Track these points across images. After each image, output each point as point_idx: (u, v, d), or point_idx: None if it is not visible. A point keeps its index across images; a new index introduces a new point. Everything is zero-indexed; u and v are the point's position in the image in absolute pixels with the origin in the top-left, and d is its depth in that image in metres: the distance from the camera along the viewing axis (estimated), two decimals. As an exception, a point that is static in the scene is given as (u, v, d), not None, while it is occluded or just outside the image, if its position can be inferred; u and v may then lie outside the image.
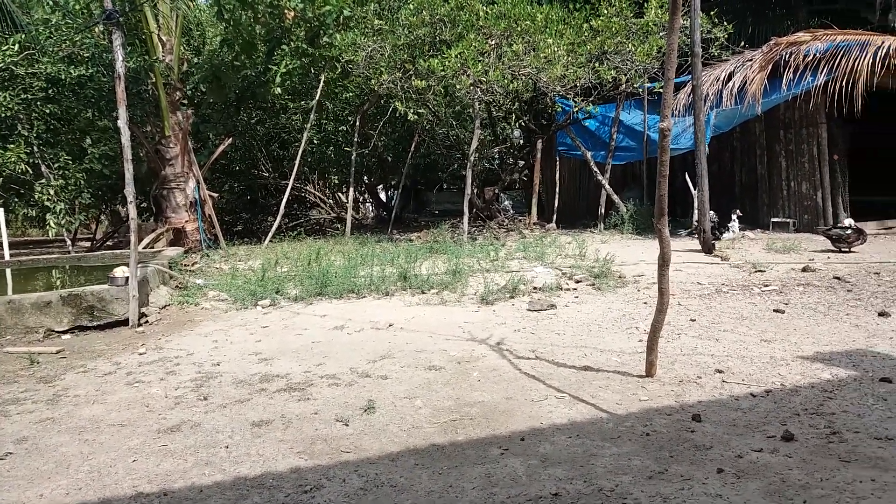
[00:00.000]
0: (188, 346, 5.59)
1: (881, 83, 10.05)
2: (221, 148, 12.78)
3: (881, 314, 5.81)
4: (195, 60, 14.33)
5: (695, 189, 11.28)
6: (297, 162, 13.30)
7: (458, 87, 10.39)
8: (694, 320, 5.90)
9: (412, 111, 11.24)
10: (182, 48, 12.20)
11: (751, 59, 10.81)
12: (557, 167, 14.20)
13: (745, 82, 10.49)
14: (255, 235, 13.53)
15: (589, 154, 12.92)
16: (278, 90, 13.06)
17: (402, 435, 3.71)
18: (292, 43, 13.16)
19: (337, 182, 17.97)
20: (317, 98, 13.09)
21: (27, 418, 4.19)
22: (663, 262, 4.32)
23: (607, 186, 12.74)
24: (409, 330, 5.88)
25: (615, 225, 12.36)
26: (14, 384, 4.84)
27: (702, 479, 3.05)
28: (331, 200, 17.58)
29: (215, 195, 12.87)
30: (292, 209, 16.82)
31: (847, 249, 9.11)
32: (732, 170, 12.72)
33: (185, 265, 8.78)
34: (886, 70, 9.86)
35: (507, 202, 18.37)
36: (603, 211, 12.90)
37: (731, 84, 10.62)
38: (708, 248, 9.29)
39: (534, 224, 13.17)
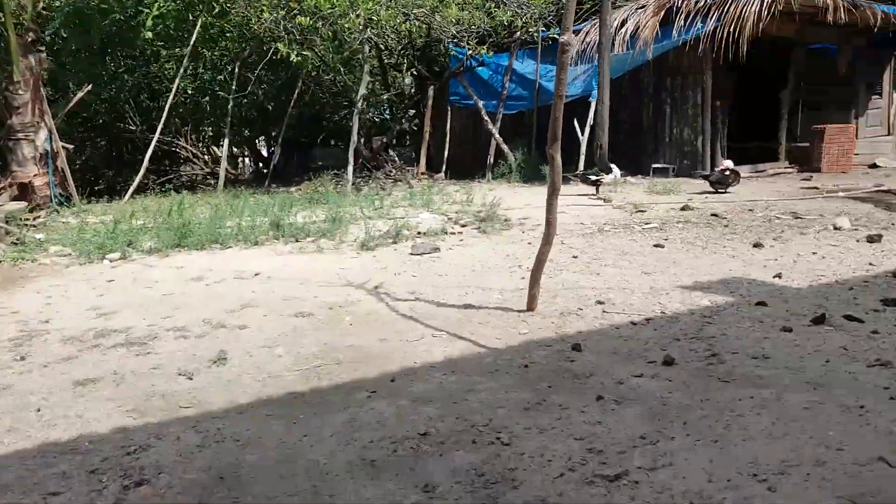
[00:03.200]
0: (15, 303, 4.83)
1: (766, 29, 10.28)
2: (79, 95, 11.43)
3: (755, 245, 5.92)
4: (56, 3, 12.72)
5: (582, 135, 11.30)
6: (165, 113, 12.17)
7: (346, 26, 9.70)
8: (576, 257, 5.77)
9: (295, 53, 10.41)
10: (38, -13, 10.71)
11: (644, 6, 10.83)
12: (449, 117, 13.86)
13: (639, 28, 10.49)
14: (119, 194, 12.35)
15: (480, 103, 12.65)
16: (149, 34, 11.79)
17: (257, 385, 3.28)
18: (165, -18, 11.90)
19: (213, 135, 16.72)
20: (192, 42, 11.94)
21: None
22: (553, 191, 4.08)
23: (497, 135, 12.53)
24: (278, 279, 5.38)
25: (503, 174, 12.22)
26: None
27: (580, 408, 2.84)
28: (206, 156, 16.37)
29: (69, 147, 11.56)
30: (163, 165, 15.54)
31: (724, 190, 9.37)
32: (619, 117, 12.85)
33: (26, 220, 7.75)
34: (772, 17, 10.09)
35: (394, 155, 17.77)
36: (492, 160, 12.69)
37: (624, 30, 10.59)
38: (601, 170, 9.21)
39: (422, 174, 12.80)
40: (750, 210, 7.85)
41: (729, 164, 9.53)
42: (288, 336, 3.98)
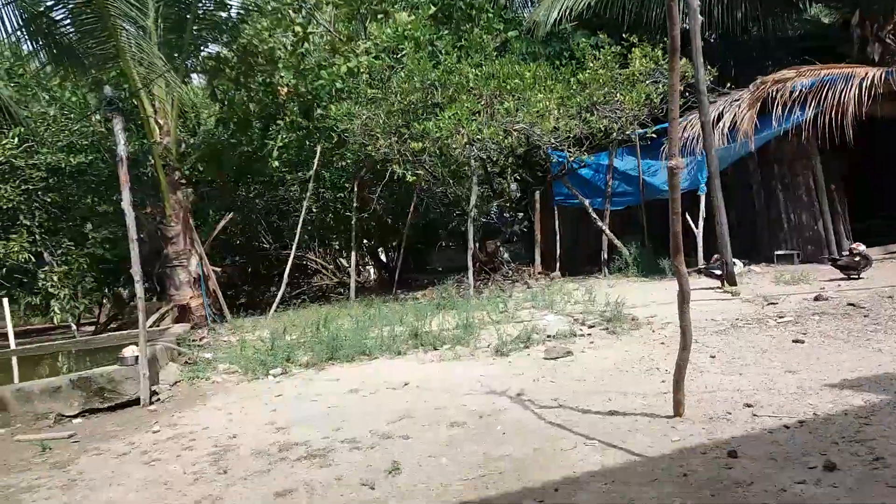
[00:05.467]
0: (202, 420, 5.47)
1: (871, 111, 10.19)
2: (222, 224, 12.85)
3: (902, 337, 5.72)
4: (191, 140, 14.57)
5: (696, 227, 11.33)
6: (297, 231, 13.36)
7: (453, 146, 10.53)
8: (714, 356, 5.81)
9: (409, 173, 11.35)
10: (178, 130, 12.41)
11: (738, 99, 11.02)
12: (556, 216, 14.30)
13: (736, 121, 10.66)
14: (259, 307, 13.47)
15: (587, 202, 13.02)
16: (276, 164, 13.21)
17: (431, 494, 3.59)
18: (287, 117, 13.38)
19: (338, 248, 18.01)
20: (314, 168, 13.24)
21: (42, 507, 4.05)
22: (683, 300, 4.28)
23: (608, 231, 12.78)
24: (425, 388, 5.77)
25: (619, 269, 12.32)
26: (27, 472, 4.70)
27: (749, 517, 2.93)
28: (332, 266, 17.55)
29: (218, 270, 12.87)
30: (294, 278, 16.78)
31: (857, 276, 9.05)
32: (727, 208, 12.74)
33: (192, 340, 8.68)
34: (874, 100, 10.02)
35: (506, 255, 18.31)
36: (606, 256, 12.89)
37: (721, 124, 10.77)
38: (732, 281, 9.25)
39: (538, 273, 13.13)
40: (889, 297, 7.54)
41: (861, 248, 9.20)
42: (447, 446, 4.29)
